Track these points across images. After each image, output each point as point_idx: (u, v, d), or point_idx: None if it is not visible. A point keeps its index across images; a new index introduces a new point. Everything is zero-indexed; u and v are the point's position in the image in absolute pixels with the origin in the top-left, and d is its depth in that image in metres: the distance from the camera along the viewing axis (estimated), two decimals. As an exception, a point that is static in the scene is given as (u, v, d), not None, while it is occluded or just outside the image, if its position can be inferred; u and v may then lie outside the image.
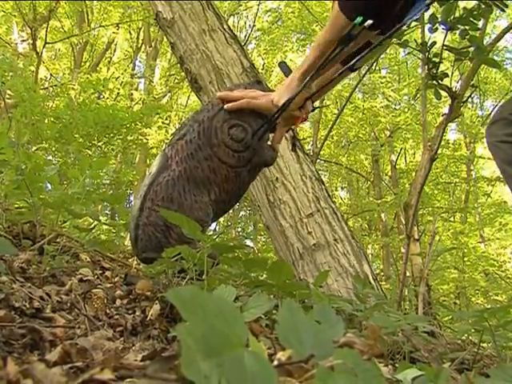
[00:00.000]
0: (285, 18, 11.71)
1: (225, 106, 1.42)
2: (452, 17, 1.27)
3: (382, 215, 11.19)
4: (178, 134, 1.45)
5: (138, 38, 13.98)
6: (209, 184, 1.40)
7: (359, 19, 1.14)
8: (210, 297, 0.39)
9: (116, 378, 0.41)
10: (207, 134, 1.40)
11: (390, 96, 10.88)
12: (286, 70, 1.50)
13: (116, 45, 14.20)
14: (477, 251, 10.28)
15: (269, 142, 1.52)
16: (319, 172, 2.61)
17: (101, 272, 1.37)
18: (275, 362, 0.46)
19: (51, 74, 11.87)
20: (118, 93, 10.44)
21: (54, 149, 6.57)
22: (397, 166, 12.38)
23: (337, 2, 1.18)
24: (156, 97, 11.44)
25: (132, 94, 11.51)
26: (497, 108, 1.40)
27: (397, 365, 0.86)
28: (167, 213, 1.09)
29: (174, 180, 1.36)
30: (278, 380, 0.36)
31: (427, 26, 1.36)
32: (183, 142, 1.41)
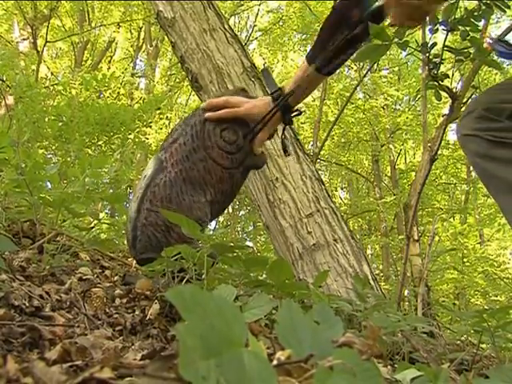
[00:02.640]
0: (286, 17, 11.71)
1: (205, 115, 1.43)
2: (453, 17, 1.27)
3: (382, 215, 11.19)
4: (170, 138, 1.46)
5: (138, 37, 13.97)
6: (204, 185, 1.41)
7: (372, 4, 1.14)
8: (210, 296, 0.39)
9: (116, 377, 0.41)
10: (201, 137, 1.41)
11: (391, 95, 10.87)
12: (267, 76, 1.51)
13: (117, 44, 14.19)
14: (476, 252, 10.28)
15: (267, 143, 1.53)
16: (319, 172, 2.61)
17: (100, 271, 1.38)
18: (274, 362, 0.46)
19: (52, 73, 11.87)
20: (119, 92, 10.44)
21: (54, 147, 6.57)
22: (397, 167, 12.37)
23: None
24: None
25: (132, 93, 11.52)
26: (471, 100, 1.39)
27: (396, 365, 0.86)
28: (168, 213, 1.09)
29: (172, 181, 1.37)
30: (277, 380, 0.36)
31: (428, 27, 1.36)
32: (177, 145, 1.42)
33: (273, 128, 1.50)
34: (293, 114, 1.48)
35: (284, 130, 1.55)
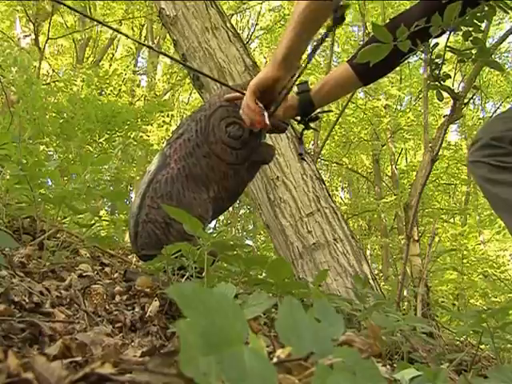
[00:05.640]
0: (288, 17, 11.70)
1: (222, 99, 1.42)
2: (455, 18, 1.27)
3: (382, 215, 11.18)
4: (176, 133, 1.46)
5: (140, 34, 13.96)
6: (208, 181, 1.41)
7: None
8: (211, 293, 0.39)
9: (117, 373, 0.41)
10: (205, 133, 1.41)
11: (392, 95, 10.86)
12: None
13: (118, 41, 14.18)
14: (476, 253, 10.28)
15: (269, 141, 1.52)
16: (320, 171, 2.61)
17: (100, 268, 1.38)
18: (274, 359, 0.46)
19: (53, 70, 11.85)
20: (120, 89, 10.43)
21: (55, 144, 6.56)
22: (397, 167, 12.36)
23: None
24: (158, 94, 11.45)
25: (134, 91, 11.51)
26: (481, 127, 1.47)
27: (395, 365, 0.87)
28: (169, 208, 1.09)
29: (173, 177, 1.37)
30: (277, 377, 0.36)
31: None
32: (181, 140, 1.42)
33: (289, 114, 1.46)
34: (312, 114, 1.45)
35: (302, 134, 1.52)
